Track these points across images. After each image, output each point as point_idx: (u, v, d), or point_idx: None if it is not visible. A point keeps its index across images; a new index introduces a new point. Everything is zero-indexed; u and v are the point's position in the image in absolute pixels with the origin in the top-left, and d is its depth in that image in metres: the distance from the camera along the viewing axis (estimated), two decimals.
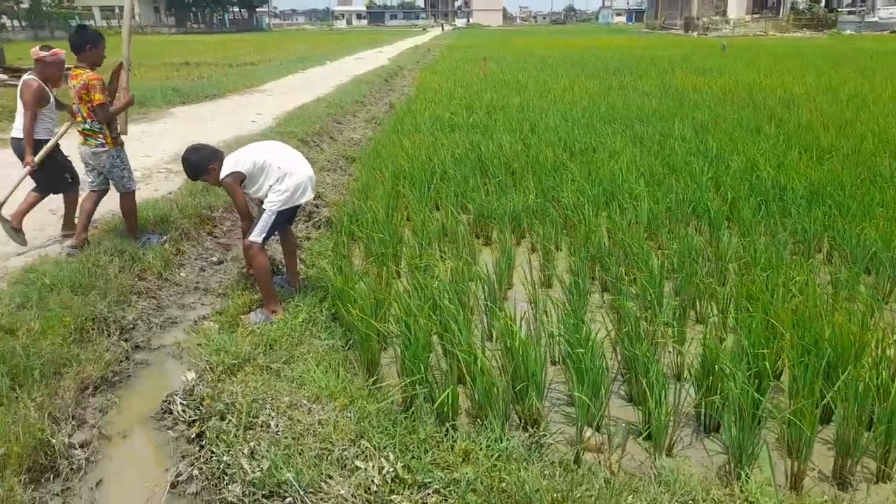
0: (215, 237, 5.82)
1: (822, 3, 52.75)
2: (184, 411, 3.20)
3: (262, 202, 3.98)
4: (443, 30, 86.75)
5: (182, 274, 5.02)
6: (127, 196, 5.09)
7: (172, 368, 3.77)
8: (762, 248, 4.62)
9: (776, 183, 6.22)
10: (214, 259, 5.40)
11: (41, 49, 5.01)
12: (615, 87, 14.32)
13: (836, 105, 10.90)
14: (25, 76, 5.02)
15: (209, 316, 4.32)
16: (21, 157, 5.02)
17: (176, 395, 3.30)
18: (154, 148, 8.62)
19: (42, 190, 5.27)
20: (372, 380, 3.26)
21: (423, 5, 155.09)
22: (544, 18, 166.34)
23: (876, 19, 46.10)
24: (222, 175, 3.90)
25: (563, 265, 4.97)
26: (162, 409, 3.28)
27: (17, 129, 5.03)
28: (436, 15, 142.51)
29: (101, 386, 3.45)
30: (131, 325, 4.11)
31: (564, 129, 9.21)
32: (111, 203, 5.30)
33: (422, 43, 44.67)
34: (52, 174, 5.18)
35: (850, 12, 50.51)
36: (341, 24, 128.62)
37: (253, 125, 10.68)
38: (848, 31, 45.57)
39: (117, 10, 65.60)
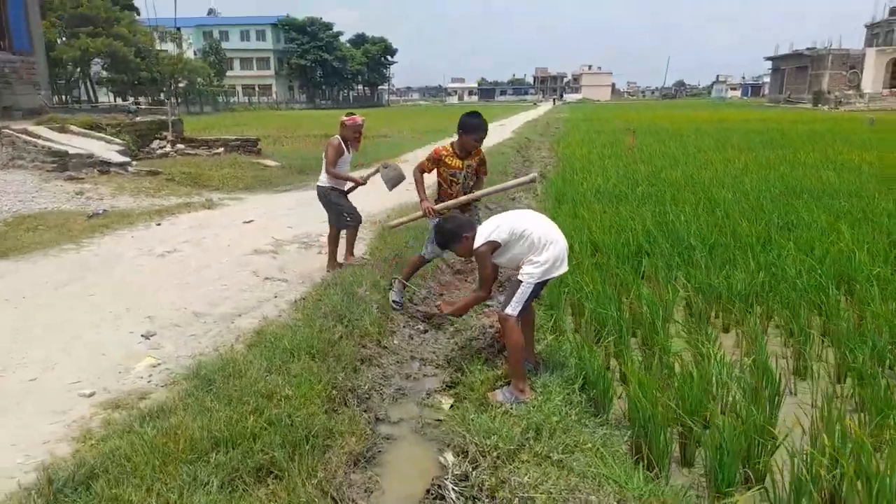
0: (414, 303, 5.69)
1: None
2: (457, 499, 2.91)
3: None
4: (554, 104, 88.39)
5: (395, 341, 4.87)
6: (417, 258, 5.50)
7: (420, 445, 3.52)
8: None
9: None
10: (420, 328, 5.24)
11: (345, 116, 6.14)
12: (775, 161, 13.53)
13: None
14: (332, 138, 6.12)
15: (440, 390, 4.10)
16: (322, 200, 6.16)
17: (445, 479, 3.02)
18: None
19: (334, 224, 6.28)
20: (679, 482, 2.84)
21: (531, 82, 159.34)
22: (653, 93, 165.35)
23: None
24: (477, 244, 3.75)
25: (814, 350, 4.38)
26: (431, 494, 3.00)
27: (321, 180, 6.13)
28: (544, 90, 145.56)
29: (359, 461, 3.24)
30: (366, 395, 3.94)
31: (747, 202, 8.62)
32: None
33: (537, 117, 45.15)
34: (331, 213, 6.23)
35: None
36: (453, 99, 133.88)
37: (408, 193, 10.81)
38: None
39: (257, 88, 72.29)
